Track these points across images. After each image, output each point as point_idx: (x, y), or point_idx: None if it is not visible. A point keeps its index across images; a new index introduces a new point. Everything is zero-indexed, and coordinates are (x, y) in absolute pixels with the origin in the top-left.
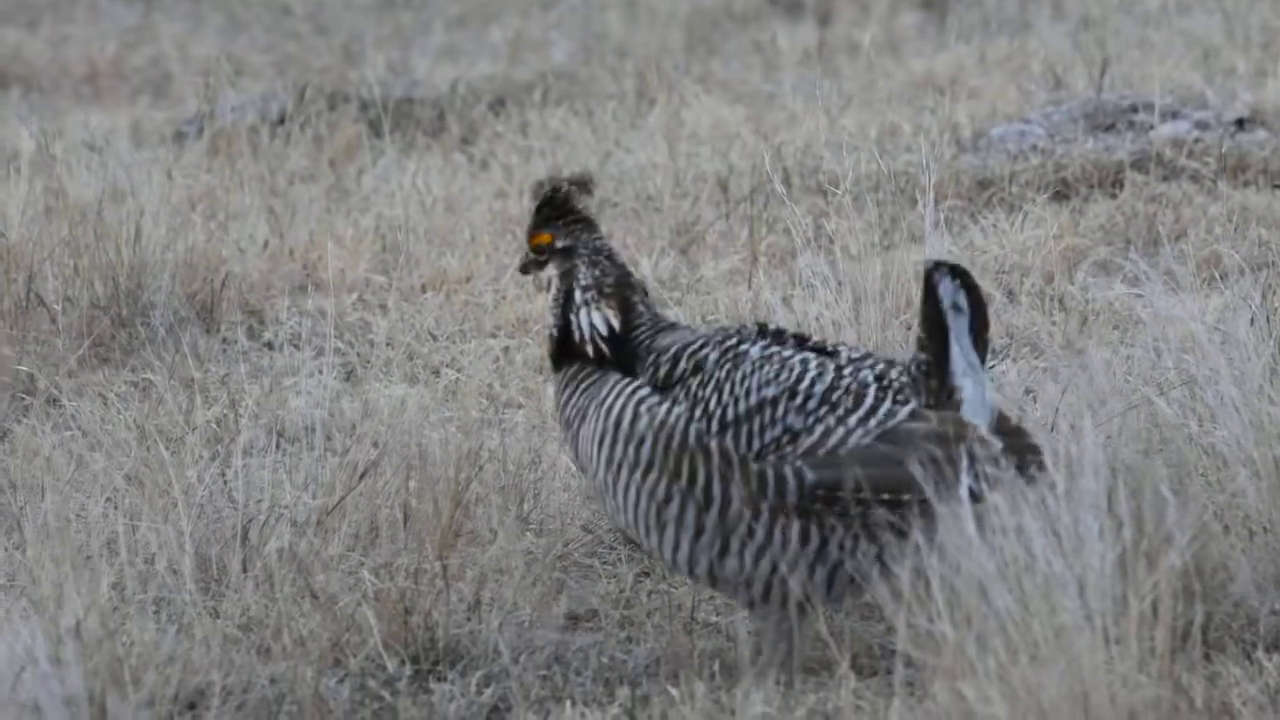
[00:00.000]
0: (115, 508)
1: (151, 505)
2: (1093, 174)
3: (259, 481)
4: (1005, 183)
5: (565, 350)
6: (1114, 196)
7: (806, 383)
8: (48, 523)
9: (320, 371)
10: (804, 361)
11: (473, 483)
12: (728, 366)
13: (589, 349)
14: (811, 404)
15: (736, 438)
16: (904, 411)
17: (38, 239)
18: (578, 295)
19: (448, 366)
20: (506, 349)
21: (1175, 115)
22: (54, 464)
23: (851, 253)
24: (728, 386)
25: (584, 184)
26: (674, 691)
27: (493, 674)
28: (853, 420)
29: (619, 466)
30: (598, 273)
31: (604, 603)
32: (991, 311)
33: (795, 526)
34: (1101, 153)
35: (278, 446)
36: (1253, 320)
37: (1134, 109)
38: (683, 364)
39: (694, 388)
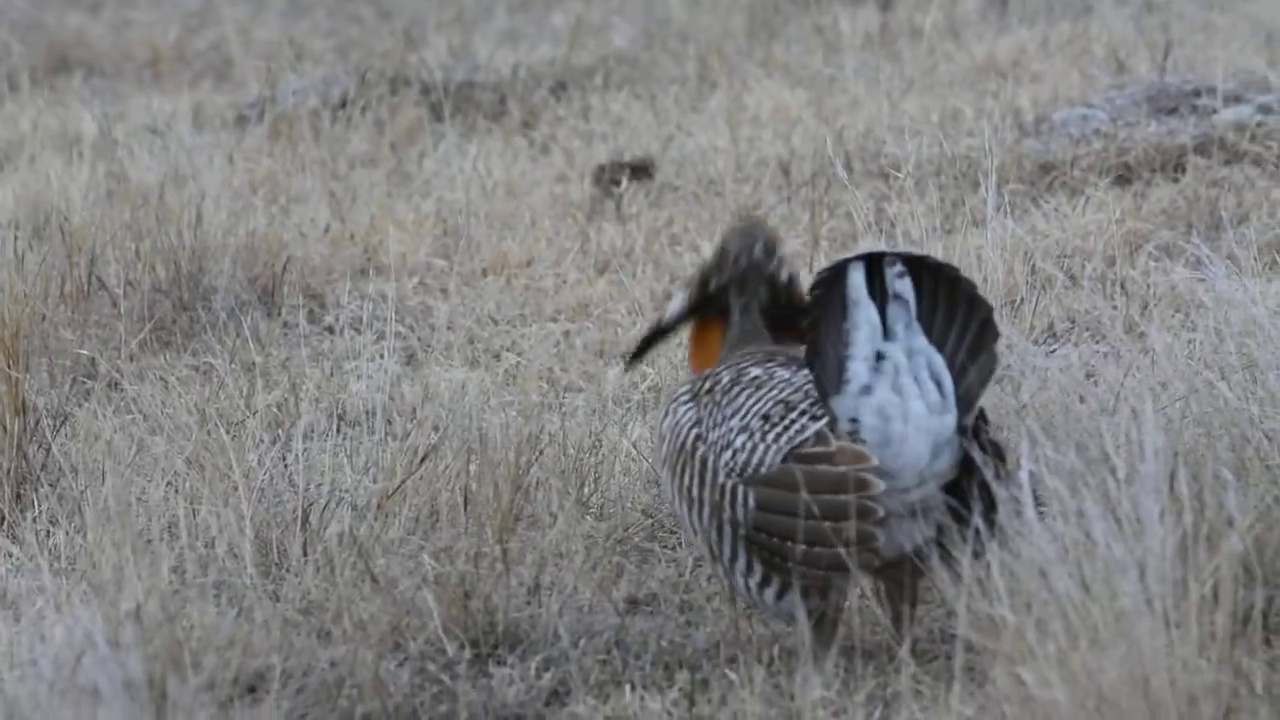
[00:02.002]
0: (176, 491)
1: (212, 489)
2: (1155, 158)
3: (319, 465)
4: (1067, 167)
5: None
6: (1176, 180)
7: (757, 400)
8: (108, 506)
9: (381, 355)
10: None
11: (533, 467)
12: (732, 385)
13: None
14: (749, 420)
15: (716, 449)
16: (812, 430)
17: (99, 223)
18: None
19: (508, 350)
20: (567, 333)
21: (1238, 99)
22: (114, 448)
23: (913, 237)
24: (723, 401)
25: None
26: (733, 676)
27: (552, 658)
28: (770, 436)
29: (658, 461)
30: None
31: (663, 587)
32: (1052, 295)
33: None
34: (1164, 137)
35: (338, 430)
36: None
37: (1197, 93)
38: (709, 381)
39: (705, 401)
